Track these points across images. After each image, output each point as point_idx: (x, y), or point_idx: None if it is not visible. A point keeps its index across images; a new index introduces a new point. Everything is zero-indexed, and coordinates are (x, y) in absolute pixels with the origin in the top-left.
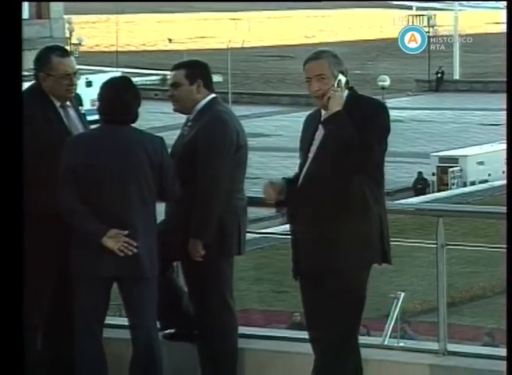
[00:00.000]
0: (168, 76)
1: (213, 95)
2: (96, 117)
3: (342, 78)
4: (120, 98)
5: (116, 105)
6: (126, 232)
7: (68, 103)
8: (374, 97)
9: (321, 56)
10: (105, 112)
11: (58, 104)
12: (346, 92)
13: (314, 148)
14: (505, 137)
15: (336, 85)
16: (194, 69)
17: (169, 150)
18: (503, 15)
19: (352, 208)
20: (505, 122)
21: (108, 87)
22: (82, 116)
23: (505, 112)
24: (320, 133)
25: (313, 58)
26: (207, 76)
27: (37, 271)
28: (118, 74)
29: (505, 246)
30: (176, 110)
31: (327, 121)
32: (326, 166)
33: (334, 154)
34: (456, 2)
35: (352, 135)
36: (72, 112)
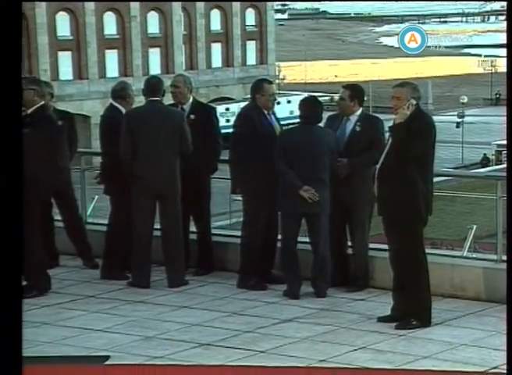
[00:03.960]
0: (336, 96)
1: (362, 109)
2: (289, 121)
3: (412, 101)
4: (312, 108)
5: (310, 112)
6: (313, 190)
7: (270, 112)
8: (456, 109)
9: (403, 86)
10: (305, 116)
11: (265, 112)
12: (414, 108)
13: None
14: None
15: (406, 106)
16: (355, 91)
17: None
18: None
19: (402, 183)
20: None
21: (306, 102)
22: (278, 120)
23: None
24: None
25: (398, 86)
26: (361, 96)
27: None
28: (307, 95)
29: None
30: (341, 113)
31: (390, 128)
32: (391, 157)
33: (394, 149)
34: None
35: (402, 140)
36: (273, 117)
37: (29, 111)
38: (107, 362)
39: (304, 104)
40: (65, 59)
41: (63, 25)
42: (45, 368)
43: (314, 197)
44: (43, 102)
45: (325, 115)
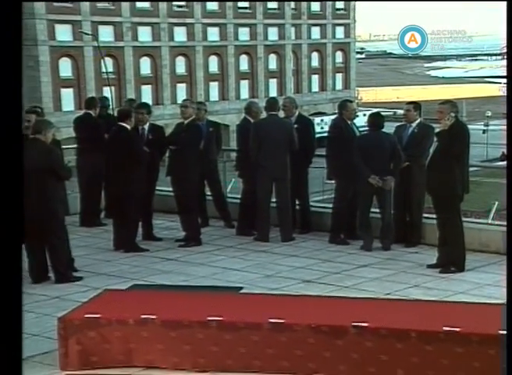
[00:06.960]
0: (399, 111)
1: (420, 118)
2: (365, 128)
3: (452, 114)
4: (377, 119)
5: (375, 122)
6: (377, 177)
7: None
8: (483, 120)
9: (445, 103)
10: (371, 125)
11: (349, 122)
12: (453, 119)
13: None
14: None
15: (447, 118)
16: (416, 105)
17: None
18: None
19: (445, 172)
20: None
21: (371, 116)
22: (357, 127)
23: None
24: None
25: (441, 103)
26: (420, 109)
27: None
28: (375, 111)
29: None
30: (405, 121)
31: (437, 134)
32: (437, 154)
33: (440, 148)
34: None
35: (445, 142)
36: (353, 126)
37: (185, 121)
38: (241, 291)
39: (370, 117)
40: (214, 87)
41: (213, 64)
42: (201, 294)
43: (379, 183)
44: (194, 116)
45: (388, 124)
